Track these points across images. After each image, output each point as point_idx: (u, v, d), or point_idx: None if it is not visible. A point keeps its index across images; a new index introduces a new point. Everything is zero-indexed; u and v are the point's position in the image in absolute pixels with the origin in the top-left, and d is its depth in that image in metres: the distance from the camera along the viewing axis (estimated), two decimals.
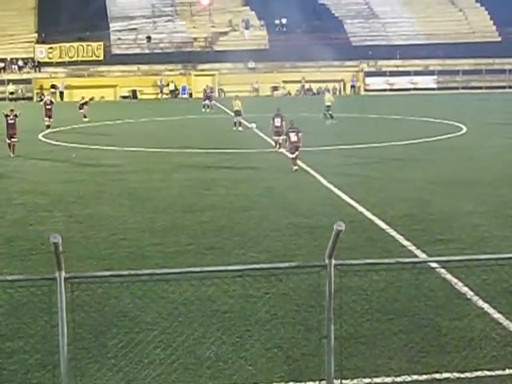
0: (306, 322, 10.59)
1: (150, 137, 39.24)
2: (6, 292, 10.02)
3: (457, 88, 77.45)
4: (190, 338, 9.82)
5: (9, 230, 17.08)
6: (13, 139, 30.76)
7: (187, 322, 10.59)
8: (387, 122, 46.02)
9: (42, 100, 72.95)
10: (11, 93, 74.94)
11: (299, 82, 78.04)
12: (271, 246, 15.12)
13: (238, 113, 41.00)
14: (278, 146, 30.94)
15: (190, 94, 76.13)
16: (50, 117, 41.91)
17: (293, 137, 25.88)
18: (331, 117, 45.24)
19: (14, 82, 75.31)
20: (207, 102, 55.86)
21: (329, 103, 46.06)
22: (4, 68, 77.76)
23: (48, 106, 42.13)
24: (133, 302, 11.33)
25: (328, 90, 56.83)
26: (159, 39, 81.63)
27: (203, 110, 55.27)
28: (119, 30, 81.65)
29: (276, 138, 30.97)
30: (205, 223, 17.49)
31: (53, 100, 44.52)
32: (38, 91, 75.45)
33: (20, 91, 75.32)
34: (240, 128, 40.73)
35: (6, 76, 76.04)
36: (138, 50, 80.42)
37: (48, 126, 41.59)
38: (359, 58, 79.09)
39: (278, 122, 30.56)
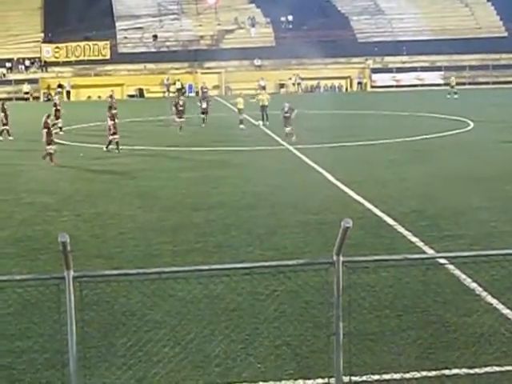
0: (314, 319, 10.58)
1: (156, 135, 39.30)
2: (15, 292, 10.02)
3: (463, 84, 77.26)
4: (198, 335, 9.82)
5: (17, 230, 17.11)
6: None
7: (196, 320, 10.60)
8: (394, 119, 45.93)
9: (49, 100, 73.44)
10: (26, 92, 75.15)
11: (310, 78, 77.96)
12: (279, 244, 15.12)
13: (241, 111, 41.14)
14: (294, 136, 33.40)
15: (197, 93, 76.15)
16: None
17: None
18: (241, 122, 40.76)
19: (27, 81, 75.64)
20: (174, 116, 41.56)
21: (241, 106, 41.39)
22: (11, 68, 77.92)
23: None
24: (141, 301, 11.34)
25: (239, 93, 44.70)
26: (165, 38, 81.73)
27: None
28: (125, 29, 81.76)
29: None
30: (212, 221, 17.49)
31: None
32: (45, 91, 75.61)
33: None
34: (242, 126, 40.65)
35: (12, 76, 76.24)
36: (144, 49, 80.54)
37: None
38: (365, 54, 78.99)
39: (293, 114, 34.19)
